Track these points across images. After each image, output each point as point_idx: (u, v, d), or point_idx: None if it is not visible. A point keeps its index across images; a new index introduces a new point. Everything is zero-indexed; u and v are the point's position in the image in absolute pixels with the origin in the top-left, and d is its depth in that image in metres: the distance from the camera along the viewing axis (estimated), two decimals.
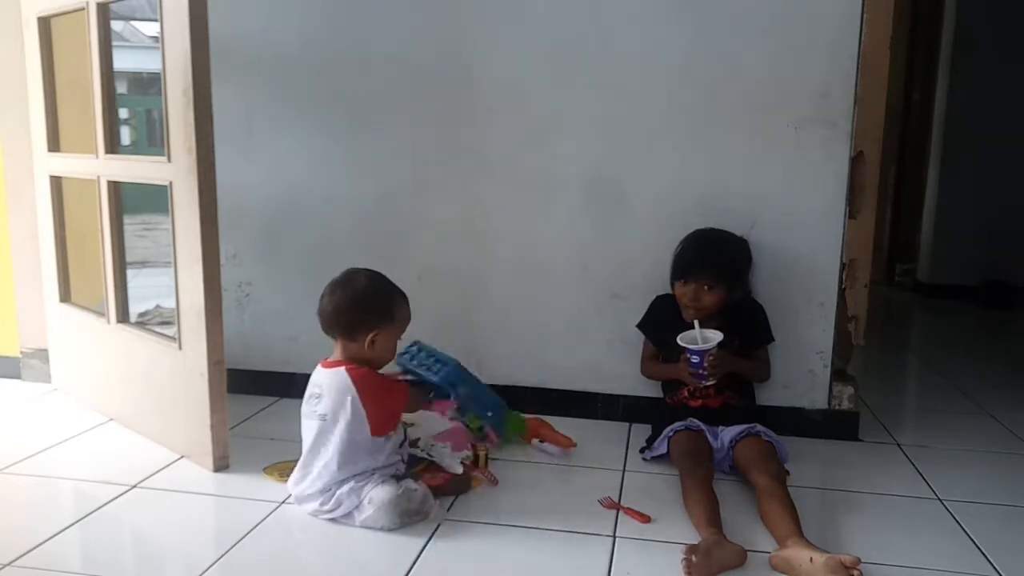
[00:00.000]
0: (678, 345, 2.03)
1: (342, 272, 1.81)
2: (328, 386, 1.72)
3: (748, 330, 2.10)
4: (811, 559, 1.46)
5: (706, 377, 1.96)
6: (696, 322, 1.99)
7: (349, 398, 1.68)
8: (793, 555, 1.49)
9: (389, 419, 1.74)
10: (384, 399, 1.73)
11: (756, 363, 2.14)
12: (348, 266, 1.83)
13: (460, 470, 1.86)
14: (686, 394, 2.09)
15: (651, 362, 2.21)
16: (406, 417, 1.88)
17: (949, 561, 1.59)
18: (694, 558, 1.47)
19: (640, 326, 2.22)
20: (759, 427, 1.97)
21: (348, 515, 1.68)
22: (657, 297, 2.20)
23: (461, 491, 1.83)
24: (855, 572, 1.42)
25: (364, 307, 1.74)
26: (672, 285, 2.12)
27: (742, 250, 2.12)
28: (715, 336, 1.96)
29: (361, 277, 1.78)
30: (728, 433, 1.98)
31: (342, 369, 1.71)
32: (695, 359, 1.95)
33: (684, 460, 1.88)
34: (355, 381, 1.69)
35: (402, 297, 1.80)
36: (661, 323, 2.15)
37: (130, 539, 1.70)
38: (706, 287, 2.02)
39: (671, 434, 2.00)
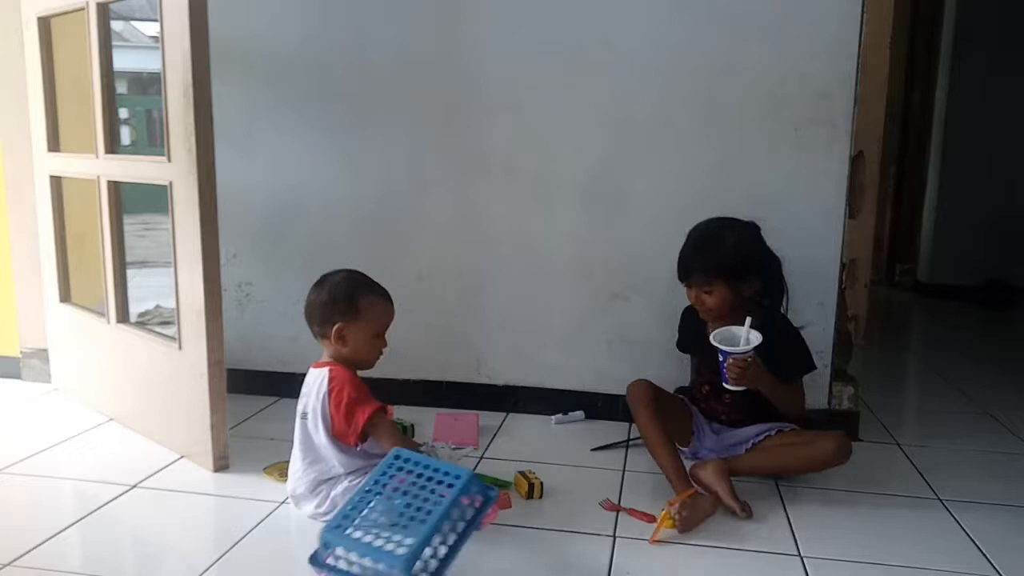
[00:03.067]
0: (702, 354, 2.00)
1: None
2: (312, 384, 1.74)
3: (773, 357, 1.83)
4: (717, 486, 1.74)
5: (727, 379, 1.80)
6: (748, 318, 1.78)
7: (322, 396, 1.70)
8: (709, 475, 1.77)
9: (346, 428, 1.67)
10: (347, 407, 1.67)
11: (790, 391, 1.92)
12: (348, 266, 1.83)
13: (458, 461, 1.89)
14: (703, 406, 2.06)
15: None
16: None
17: (949, 561, 1.59)
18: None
19: (677, 346, 2.13)
20: (777, 425, 1.96)
21: None
22: (684, 310, 2.08)
23: None
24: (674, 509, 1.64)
25: (328, 303, 1.74)
26: None
27: (743, 240, 1.92)
28: (752, 340, 1.76)
29: (335, 276, 1.78)
30: (747, 431, 1.96)
31: (326, 368, 1.73)
32: (719, 357, 1.79)
33: (649, 402, 1.90)
34: (329, 382, 1.70)
35: (374, 293, 1.77)
36: (687, 337, 2.09)
37: (130, 539, 1.70)
38: (704, 290, 1.90)
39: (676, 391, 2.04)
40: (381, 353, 1.79)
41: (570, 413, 2.30)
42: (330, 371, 1.72)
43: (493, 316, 2.41)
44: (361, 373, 1.77)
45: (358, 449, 1.70)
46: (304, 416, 1.73)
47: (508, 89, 2.30)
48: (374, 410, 1.67)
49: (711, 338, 1.80)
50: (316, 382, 1.73)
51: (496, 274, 2.39)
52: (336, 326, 1.72)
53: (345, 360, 1.74)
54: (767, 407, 1.93)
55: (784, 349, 1.89)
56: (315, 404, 1.71)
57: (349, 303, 1.73)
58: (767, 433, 1.94)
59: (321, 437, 1.70)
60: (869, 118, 2.15)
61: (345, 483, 1.68)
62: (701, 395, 2.06)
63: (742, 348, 1.76)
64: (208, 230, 1.86)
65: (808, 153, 2.17)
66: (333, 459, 1.70)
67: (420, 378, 2.43)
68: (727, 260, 1.88)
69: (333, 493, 1.68)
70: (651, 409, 1.88)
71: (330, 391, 1.69)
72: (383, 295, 1.79)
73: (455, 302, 2.42)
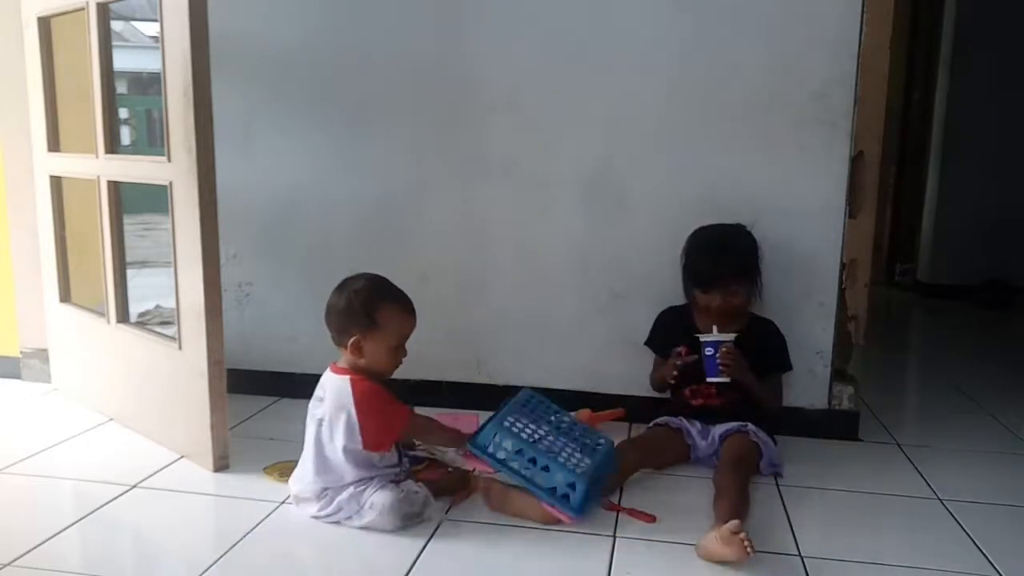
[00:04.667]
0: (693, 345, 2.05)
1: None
2: (331, 391, 1.71)
3: (760, 354, 2.05)
4: (715, 537, 1.52)
5: (719, 371, 1.95)
6: (715, 327, 1.99)
7: (346, 410, 1.66)
8: (706, 540, 1.56)
9: (385, 438, 1.70)
10: (382, 418, 1.68)
11: (768, 387, 2.07)
12: (348, 266, 1.82)
13: (462, 462, 1.91)
14: (688, 393, 2.10)
15: (656, 371, 2.20)
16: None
17: (949, 561, 1.59)
18: (491, 492, 1.72)
19: (648, 344, 2.22)
20: (751, 426, 1.98)
21: (348, 519, 1.67)
22: (660, 313, 2.21)
23: (461, 488, 1.82)
24: (741, 535, 1.48)
25: (346, 312, 1.70)
26: (687, 292, 2.12)
27: (750, 241, 2.09)
28: (731, 336, 1.98)
29: (357, 281, 1.74)
30: (720, 429, 2.01)
31: (347, 378, 1.69)
32: (709, 350, 1.96)
33: (633, 442, 2.01)
34: (355, 394, 1.66)
35: (396, 304, 1.73)
36: (668, 338, 2.14)
37: (130, 539, 1.70)
38: (732, 294, 2.02)
39: (652, 425, 2.10)
40: (399, 363, 1.76)
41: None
42: (352, 382, 1.68)
43: (493, 316, 2.41)
44: None
45: (378, 457, 1.70)
46: (320, 422, 1.70)
47: (508, 89, 2.30)
48: (408, 413, 1.71)
49: (701, 338, 1.98)
50: (334, 390, 1.69)
51: (496, 274, 2.39)
52: (353, 338, 1.69)
53: (362, 370, 1.71)
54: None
55: (771, 343, 2.12)
56: (332, 414, 1.68)
57: (367, 314, 1.69)
58: (738, 430, 1.99)
59: (336, 447, 1.67)
60: (869, 118, 2.15)
61: (351, 489, 1.67)
62: (702, 392, 2.08)
63: (728, 337, 1.96)
64: (208, 230, 1.86)
65: (808, 153, 2.17)
66: (343, 469, 1.68)
67: (420, 378, 2.42)
68: (752, 263, 2.07)
69: (339, 498, 1.67)
70: (633, 462, 1.92)
71: (357, 404, 1.65)
72: (404, 305, 1.74)
73: (455, 302, 2.42)
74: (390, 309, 1.71)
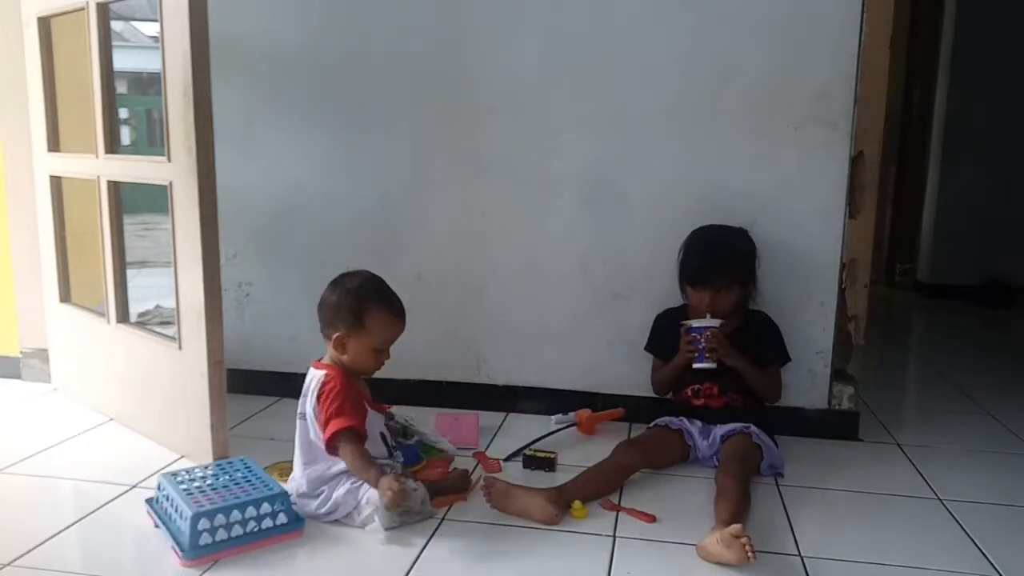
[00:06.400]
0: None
1: None
2: (309, 384, 1.74)
3: (759, 348, 2.09)
4: (716, 539, 1.52)
5: (704, 356, 1.98)
6: (708, 315, 2.02)
7: (314, 399, 1.70)
8: (707, 542, 1.55)
9: (322, 432, 1.68)
10: (327, 417, 1.67)
11: (765, 374, 2.10)
12: (348, 266, 1.82)
13: (447, 447, 1.99)
14: (689, 393, 2.10)
15: (659, 371, 2.20)
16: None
17: (949, 561, 1.59)
18: (493, 491, 1.71)
19: (648, 349, 2.23)
20: (753, 428, 1.98)
21: (348, 516, 1.67)
22: (658, 316, 2.22)
23: (460, 488, 1.82)
24: (743, 539, 1.47)
25: (335, 308, 1.72)
26: (682, 290, 2.13)
27: (747, 244, 2.11)
28: (715, 322, 2.01)
29: (353, 279, 1.75)
30: (722, 429, 2.00)
31: (323, 371, 1.72)
32: (694, 333, 1.99)
33: (632, 443, 2.00)
34: (322, 384, 1.69)
35: (384, 307, 1.73)
36: (667, 342, 2.15)
37: (130, 539, 1.69)
38: (721, 292, 2.03)
39: (652, 426, 2.08)
40: (382, 364, 1.77)
41: (570, 413, 2.30)
42: (325, 374, 1.71)
43: (493, 316, 2.41)
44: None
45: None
46: (303, 416, 1.73)
47: (508, 89, 2.30)
48: (344, 427, 1.64)
49: (687, 323, 2.02)
50: (312, 383, 1.72)
51: (496, 274, 2.39)
52: (337, 334, 1.71)
53: (343, 366, 1.73)
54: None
55: (770, 337, 2.12)
56: (310, 405, 1.71)
57: (354, 313, 1.70)
58: (740, 431, 1.98)
59: (310, 436, 1.70)
60: (869, 118, 2.15)
61: (347, 485, 1.67)
62: (703, 392, 2.09)
63: (714, 323, 1.99)
64: (208, 230, 1.86)
65: (808, 153, 2.17)
66: (327, 459, 1.69)
67: (420, 378, 2.43)
68: (744, 263, 2.08)
69: (335, 495, 1.67)
70: (633, 463, 1.92)
71: (319, 395, 1.68)
72: (393, 310, 1.74)
73: (455, 302, 2.42)
74: (378, 312, 1.72)
